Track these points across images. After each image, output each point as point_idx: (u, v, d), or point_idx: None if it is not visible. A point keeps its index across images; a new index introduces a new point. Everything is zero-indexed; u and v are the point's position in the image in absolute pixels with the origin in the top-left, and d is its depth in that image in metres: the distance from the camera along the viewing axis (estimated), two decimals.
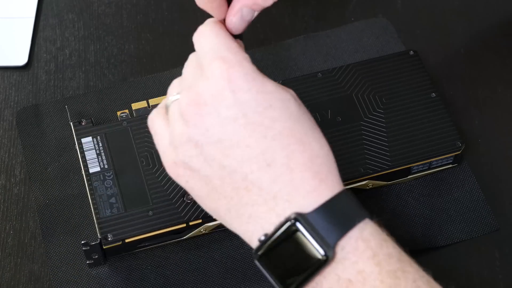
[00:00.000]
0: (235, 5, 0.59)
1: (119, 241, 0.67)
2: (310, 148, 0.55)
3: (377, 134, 0.72)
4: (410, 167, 0.72)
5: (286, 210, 0.54)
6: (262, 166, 0.54)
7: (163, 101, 0.62)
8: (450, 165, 0.73)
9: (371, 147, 0.71)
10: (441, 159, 0.72)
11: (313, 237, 0.53)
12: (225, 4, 0.60)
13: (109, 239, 0.67)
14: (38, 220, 0.72)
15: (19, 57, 0.82)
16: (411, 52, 0.78)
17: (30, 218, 0.73)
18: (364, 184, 0.71)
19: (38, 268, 0.70)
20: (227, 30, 0.60)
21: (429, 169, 0.73)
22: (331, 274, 0.53)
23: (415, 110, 0.74)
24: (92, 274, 0.69)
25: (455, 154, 0.72)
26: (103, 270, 0.69)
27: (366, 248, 0.53)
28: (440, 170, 0.74)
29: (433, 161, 0.72)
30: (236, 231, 0.57)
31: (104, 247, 0.67)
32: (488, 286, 0.69)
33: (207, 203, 0.58)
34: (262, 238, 0.54)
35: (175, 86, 0.61)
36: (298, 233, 0.53)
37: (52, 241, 0.71)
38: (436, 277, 0.69)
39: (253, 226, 0.55)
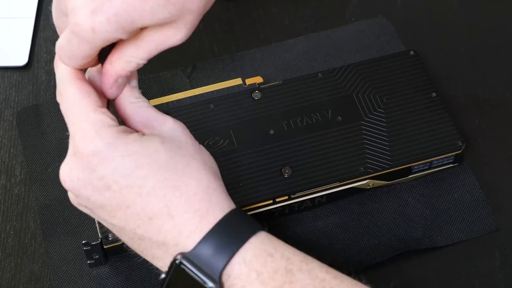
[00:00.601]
0: (109, 79, 0.60)
1: (119, 241, 0.67)
2: (186, 189, 0.58)
3: (378, 134, 0.72)
4: (410, 166, 0.72)
5: (176, 252, 0.58)
6: (145, 221, 0.58)
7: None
8: (451, 165, 0.74)
9: (372, 146, 0.72)
10: (441, 158, 0.72)
11: (198, 273, 0.56)
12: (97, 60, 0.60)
13: (110, 238, 0.67)
14: (38, 220, 0.72)
15: (19, 57, 0.82)
16: (411, 52, 0.78)
17: (30, 218, 0.73)
18: (365, 184, 0.71)
19: (38, 268, 0.70)
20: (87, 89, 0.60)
21: (429, 168, 0.73)
22: None
23: (415, 110, 0.74)
24: (93, 274, 0.69)
25: (456, 154, 0.72)
26: (104, 270, 0.69)
27: (250, 270, 0.56)
28: (441, 170, 0.74)
29: (433, 161, 0.72)
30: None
31: (105, 247, 0.67)
32: (488, 286, 0.69)
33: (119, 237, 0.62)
34: (162, 276, 0.59)
35: None
36: (185, 271, 0.57)
37: (52, 241, 0.71)
38: (437, 277, 0.69)
39: (158, 263, 0.60)
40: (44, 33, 0.84)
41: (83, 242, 0.67)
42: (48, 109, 0.78)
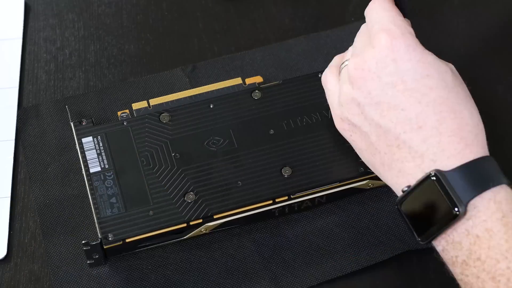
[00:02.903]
0: None
1: (119, 241, 0.67)
2: (461, 116, 0.61)
3: None
4: None
5: (430, 168, 0.60)
6: (414, 128, 0.61)
7: (335, 60, 0.70)
8: None
9: None
10: None
11: (449, 193, 0.58)
12: None
13: (110, 239, 0.67)
14: (38, 220, 0.72)
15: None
16: None
17: (30, 218, 0.72)
18: (365, 184, 0.71)
19: (38, 268, 0.70)
20: (395, 7, 0.65)
21: None
22: (461, 228, 0.58)
23: None
24: (93, 274, 0.69)
25: None
26: (104, 270, 0.69)
27: (497, 209, 0.58)
28: None
29: None
30: (387, 183, 0.64)
31: (104, 247, 0.67)
32: None
33: (365, 156, 0.66)
34: (405, 189, 0.61)
35: (348, 52, 0.68)
36: (437, 188, 0.59)
37: (52, 241, 0.71)
38: (437, 277, 0.69)
39: (401, 180, 0.62)
40: (44, 33, 0.84)
41: (83, 242, 0.67)
42: (48, 109, 0.78)
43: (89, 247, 0.67)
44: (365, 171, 0.70)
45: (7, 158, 0.76)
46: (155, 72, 0.81)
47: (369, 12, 0.66)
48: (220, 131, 0.73)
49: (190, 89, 0.77)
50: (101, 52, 0.83)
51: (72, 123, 0.73)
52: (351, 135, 0.66)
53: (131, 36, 0.84)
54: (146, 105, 0.75)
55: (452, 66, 0.64)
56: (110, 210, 0.68)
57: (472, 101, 0.63)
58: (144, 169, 0.70)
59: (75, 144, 0.73)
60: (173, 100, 0.75)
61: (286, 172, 0.70)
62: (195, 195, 0.69)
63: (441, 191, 0.59)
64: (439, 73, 0.62)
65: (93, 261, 0.68)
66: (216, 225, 0.70)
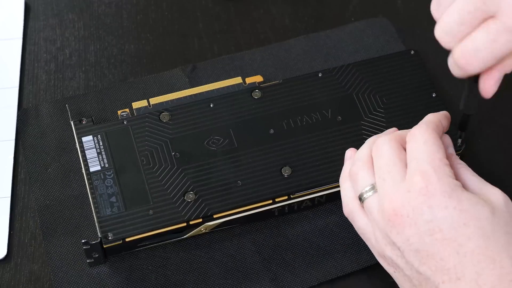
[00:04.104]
0: (494, 73, 0.62)
1: (119, 240, 0.67)
2: (501, 265, 0.57)
3: (378, 134, 0.72)
4: None
5: None
6: (453, 279, 0.58)
7: (347, 166, 0.67)
8: None
9: None
10: None
11: None
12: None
13: (110, 238, 0.67)
14: (38, 220, 0.72)
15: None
16: (412, 52, 0.78)
17: (30, 218, 0.72)
18: None
19: (38, 268, 0.70)
20: (439, 140, 0.63)
21: None
22: None
23: (415, 110, 0.74)
24: (93, 274, 0.69)
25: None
26: (104, 270, 0.69)
27: None
28: None
29: None
30: None
31: (104, 246, 0.67)
32: None
33: None
34: None
35: (364, 174, 0.64)
36: None
37: (52, 241, 0.71)
38: None
39: None
40: (44, 33, 0.84)
41: (83, 241, 0.67)
42: (48, 109, 0.78)
43: (89, 246, 0.67)
44: None
45: (7, 158, 0.76)
46: (155, 72, 0.81)
47: (409, 140, 0.63)
48: (220, 130, 0.73)
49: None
50: (101, 52, 0.83)
51: (72, 122, 0.73)
52: (394, 272, 0.63)
53: (131, 36, 0.84)
54: (146, 104, 0.75)
55: (498, 201, 0.60)
56: (110, 209, 0.68)
57: None
58: (144, 168, 0.70)
59: (75, 143, 0.73)
60: (173, 99, 0.75)
61: (286, 171, 0.70)
62: (195, 195, 0.69)
63: None
64: (477, 220, 0.58)
65: (92, 260, 0.68)
66: (216, 225, 0.69)
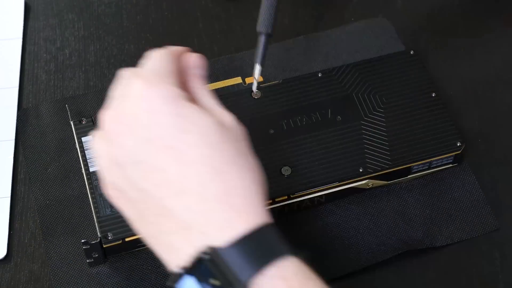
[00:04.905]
0: None
1: (119, 240, 0.67)
2: (228, 178, 0.53)
3: (377, 134, 0.72)
4: (410, 166, 0.72)
5: (201, 242, 0.52)
6: (176, 192, 0.53)
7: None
8: (450, 165, 0.74)
9: (371, 146, 0.72)
10: (441, 158, 0.72)
11: (226, 274, 0.51)
12: None
13: (109, 237, 0.67)
14: (38, 220, 0.72)
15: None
16: (411, 52, 0.78)
17: (30, 218, 0.72)
18: (364, 183, 0.71)
19: (38, 268, 0.70)
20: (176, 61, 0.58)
21: (429, 168, 0.73)
22: None
23: (415, 109, 0.74)
24: (93, 274, 0.69)
25: (455, 154, 0.72)
26: (104, 270, 0.69)
27: (286, 287, 0.51)
28: (440, 169, 0.74)
29: (433, 161, 0.72)
30: (161, 260, 0.55)
31: (104, 246, 0.67)
32: (488, 286, 0.69)
33: (137, 227, 0.56)
34: (180, 271, 0.52)
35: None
36: (213, 269, 0.51)
37: (52, 241, 0.71)
38: (437, 277, 0.69)
39: (172, 256, 0.54)
40: (44, 33, 0.84)
41: (83, 241, 0.67)
42: (48, 109, 0.78)
43: (89, 246, 0.67)
44: (364, 171, 0.70)
45: (7, 158, 0.76)
46: None
47: (145, 58, 0.59)
48: None
49: None
50: (101, 52, 0.83)
51: (72, 122, 0.73)
52: (117, 203, 0.57)
53: (131, 36, 0.84)
54: None
55: (229, 121, 0.56)
56: (109, 209, 0.68)
57: (245, 157, 0.55)
58: None
59: (75, 143, 0.73)
60: None
61: (286, 171, 0.70)
62: None
63: (217, 272, 0.51)
64: (201, 127, 0.53)
65: (92, 260, 0.68)
66: None
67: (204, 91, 0.59)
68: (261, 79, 0.77)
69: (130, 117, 0.54)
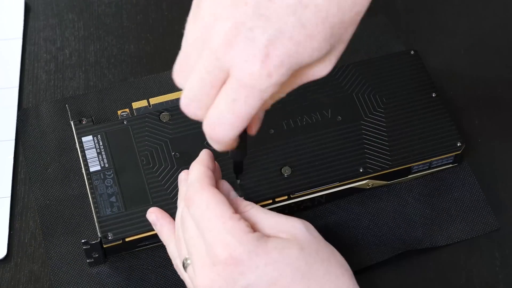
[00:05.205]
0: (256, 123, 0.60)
1: (119, 240, 0.67)
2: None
3: (377, 134, 0.72)
4: (410, 166, 0.72)
5: None
6: None
7: (176, 257, 0.63)
8: (450, 165, 0.73)
9: (371, 146, 0.71)
10: (441, 158, 0.72)
11: None
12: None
13: (109, 237, 0.67)
14: (38, 220, 0.72)
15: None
16: (412, 52, 0.78)
17: (30, 218, 0.72)
18: (364, 183, 0.71)
19: (38, 268, 0.70)
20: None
21: (429, 168, 0.73)
22: None
23: (415, 109, 0.74)
24: (93, 274, 0.69)
25: (455, 154, 0.72)
26: (104, 270, 0.69)
27: None
28: (440, 169, 0.74)
29: (433, 161, 0.72)
30: None
31: (104, 246, 0.67)
32: (488, 286, 0.69)
33: None
34: None
35: (180, 245, 0.61)
36: None
37: (52, 241, 0.71)
38: (437, 277, 0.69)
39: None
40: (44, 33, 0.84)
41: (83, 241, 0.67)
42: (48, 109, 0.78)
43: (89, 246, 0.67)
44: (364, 171, 0.70)
45: (7, 158, 0.76)
46: (155, 72, 0.81)
47: (190, 206, 0.59)
48: None
49: None
50: (101, 52, 0.83)
51: (72, 122, 0.73)
52: None
53: (131, 36, 0.84)
54: (146, 104, 0.75)
55: (301, 232, 0.59)
56: (109, 209, 0.68)
57: (334, 266, 0.58)
58: (144, 168, 0.70)
59: (75, 143, 0.73)
60: (173, 99, 0.75)
61: (286, 171, 0.70)
62: None
63: None
64: (290, 264, 0.57)
65: (92, 260, 0.68)
66: None
67: (257, 211, 0.60)
68: None
69: (226, 283, 0.56)
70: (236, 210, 0.59)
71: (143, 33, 0.84)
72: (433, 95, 0.75)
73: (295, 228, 0.59)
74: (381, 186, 0.73)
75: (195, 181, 0.60)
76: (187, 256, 0.60)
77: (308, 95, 0.75)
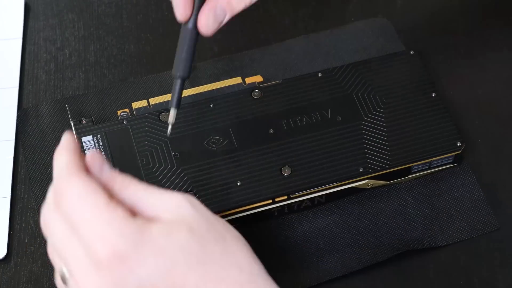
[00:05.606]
0: (209, 2, 0.59)
1: None
2: (231, 281, 0.52)
3: (377, 134, 0.72)
4: (410, 166, 0.72)
5: None
6: None
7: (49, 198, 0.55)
8: (450, 165, 0.73)
9: (371, 146, 0.71)
10: (441, 158, 0.72)
11: None
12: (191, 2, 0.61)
13: None
14: (38, 220, 0.72)
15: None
16: (411, 52, 0.78)
17: (30, 218, 0.72)
18: (364, 183, 0.71)
19: (38, 268, 0.70)
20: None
21: (429, 168, 0.73)
22: None
23: (415, 109, 0.74)
24: None
25: (455, 154, 0.72)
26: None
27: None
28: (440, 169, 0.74)
29: (433, 161, 0.72)
30: None
31: None
32: (488, 286, 0.69)
33: None
34: None
35: (54, 257, 0.54)
36: None
37: None
38: (437, 277, 0.69)
39: None
40: (44, 33, 0.84)
41: None
42: (48, 109, 0.78)
43: None
44: (364, 171, 0.70)
45: (7, 158, 0.76)
46: (155, 72, 0.81)
47: (59, 200, 0.52)
48: (220, 130, 0.73)
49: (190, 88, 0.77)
50: (101, 52, 0.83)
51: (72, 122, 0.73)
52: None
53: (131, 36, 0.84)
54: (146, 104, 0.75)
55: (186, 209, 0.52)
56: None
57: (231, 243, 0.53)
58: (144, 168, 0.70)
59: None
60: None
61: (286, 171, 0.70)
62: (195, 195, 0.69)
63: None
64: (182, 250, 0.51)
65: None
66: None
67: (136, 188, 0.54)
68: (261, 79, 0.77)
69: (115, 284, 0.50)
70: (112, 190, 0.53)
71: (143, 33, 0.84)
72: (433, 95, 0.75)
73: (180, 206, 0.52)
74: (381, 186, 0.73)
75: (61, 170, 0.53)
76: (63, 266, 0.52)
77: (308, 95, 0.75)
